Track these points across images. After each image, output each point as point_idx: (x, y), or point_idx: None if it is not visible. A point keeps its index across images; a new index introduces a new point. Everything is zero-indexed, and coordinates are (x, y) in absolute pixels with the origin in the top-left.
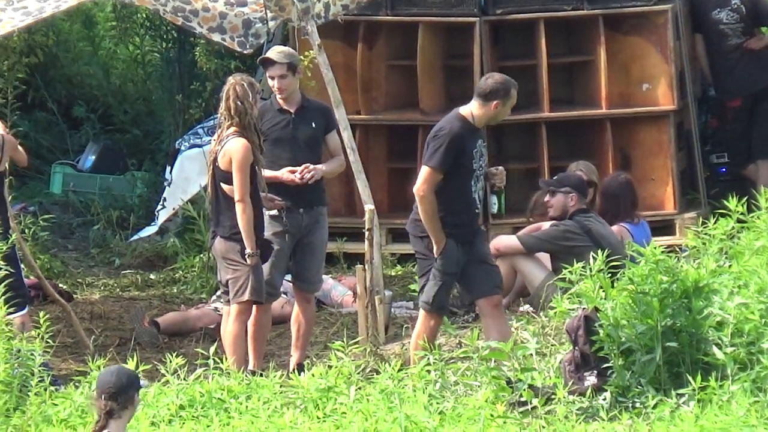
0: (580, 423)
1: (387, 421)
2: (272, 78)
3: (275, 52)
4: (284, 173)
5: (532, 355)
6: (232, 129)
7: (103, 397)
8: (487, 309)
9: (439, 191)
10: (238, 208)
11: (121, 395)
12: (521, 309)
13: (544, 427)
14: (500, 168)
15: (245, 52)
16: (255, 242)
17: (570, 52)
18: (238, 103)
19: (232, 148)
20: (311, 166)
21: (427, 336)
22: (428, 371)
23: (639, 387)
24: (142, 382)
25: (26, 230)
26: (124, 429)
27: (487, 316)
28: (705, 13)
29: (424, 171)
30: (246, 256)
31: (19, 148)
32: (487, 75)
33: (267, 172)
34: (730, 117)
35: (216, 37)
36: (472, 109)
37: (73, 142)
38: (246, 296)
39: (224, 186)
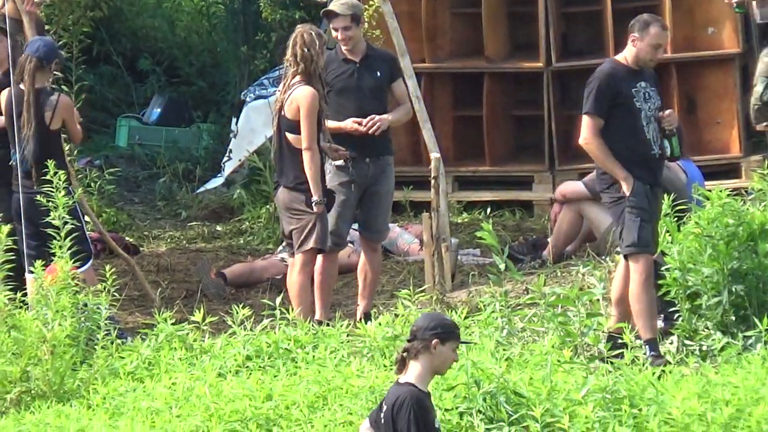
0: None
1: (454, 368)
2: (336, 30)
3: (338, 4)
4: (348, 123)
5: (598, 300)
6: (298, 77)
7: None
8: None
9: (610, 136)
10: (306, 156)
11: (418, 337)
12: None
13: (610, 371)
14: (669, 110)
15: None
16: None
17: None
18: (305, 50)
19: (300, 95)
20: (377, 117)
21: (642, 282)
22: (495, 318)
23: (706, 330)
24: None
25: (92, 184)
26: (425, 379)
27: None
28: None
29: (583, 121)
30: (313, 204)
31: (76, 117)
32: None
33: (332, 123)
34: None
35: None
36: (625, 52)
37: (138, 95)
38: (311, 244)
39: (289, 135)
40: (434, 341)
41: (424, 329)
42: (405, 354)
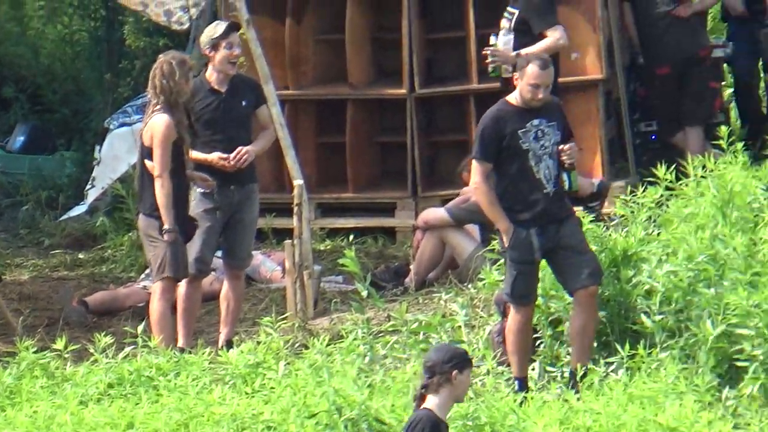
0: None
1: (316, 395)
2: (231, 46)
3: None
4: (215, 158)
5: (461, 327)
6: (159, 106)
7: (422, 370)
8: (581, 299)
9: (500, 178)
10: (157, 183)
11: (436, 370)
12: None
13: (472, 398)
14: (569, 144)
15: (179, 28)
16: (174, 219)
17: (499, 22)
18: (164, 81)
19: (155, 123)
20: (243, 150)
21: (518, 329)
22: (357, 345)
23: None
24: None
25: None
26: (445, 408)
27: (579, 305)
28: None
29: (473, 166)
30: (163, 232)
31: None
32: None
33: (199, 155)
34: (658, 85)
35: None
36: (515, 92)
37: (1, 122)
38: (165, 273)
39: (147, 163)
40: (454, 372)
41: (442, 363)
42: (423, 390)
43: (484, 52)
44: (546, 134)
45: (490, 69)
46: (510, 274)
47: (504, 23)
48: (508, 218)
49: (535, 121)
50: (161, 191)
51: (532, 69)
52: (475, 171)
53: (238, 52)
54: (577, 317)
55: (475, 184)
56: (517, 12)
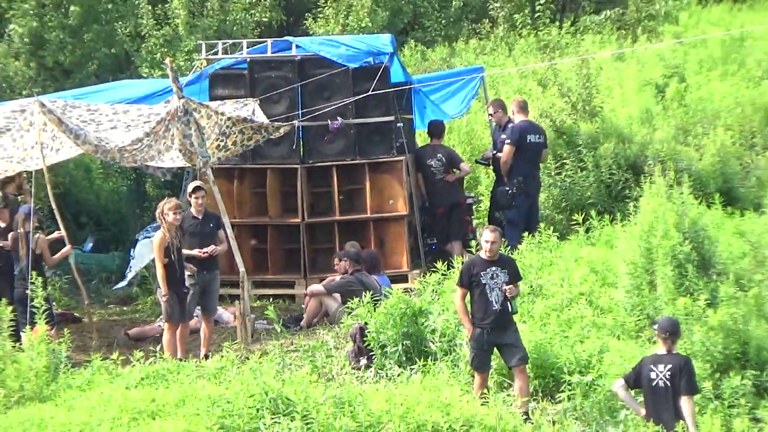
0: (358, 384)
1: (252, 384)
2: (198, 198)
3: (197, 184)
4: (196, 252)
5: (331, 348)
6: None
7: (664, 333)
8: (516, 372)
9: (472, 298)
10: (158, 266)
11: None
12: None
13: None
14: (510, 286)
15: (164, 179)
16: (167, 287)
17: (350, 183)
18: (156, 212)
19: (154, 237)
20: (212, 247)
21: (476, 388)
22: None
23: (390, 365)
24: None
25: (56, 285)
26: None
27: (516, 375)
28: (423, 161)
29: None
30: (161, 296)
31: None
32: None
33: (187, 251)
34: (438, 217)
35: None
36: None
37: (79, 236)
38: (166, 319)
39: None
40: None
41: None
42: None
43: None
44: (498, 276)
45: None
46: (470, 353)
47: None
48: (471, 322)
49: (493, 268)
50: (158, 273)
51: (485, 233)
52: (456, 292)
53: (200, 202)
54: (516, 381)
55: (454, 300)
56: None
